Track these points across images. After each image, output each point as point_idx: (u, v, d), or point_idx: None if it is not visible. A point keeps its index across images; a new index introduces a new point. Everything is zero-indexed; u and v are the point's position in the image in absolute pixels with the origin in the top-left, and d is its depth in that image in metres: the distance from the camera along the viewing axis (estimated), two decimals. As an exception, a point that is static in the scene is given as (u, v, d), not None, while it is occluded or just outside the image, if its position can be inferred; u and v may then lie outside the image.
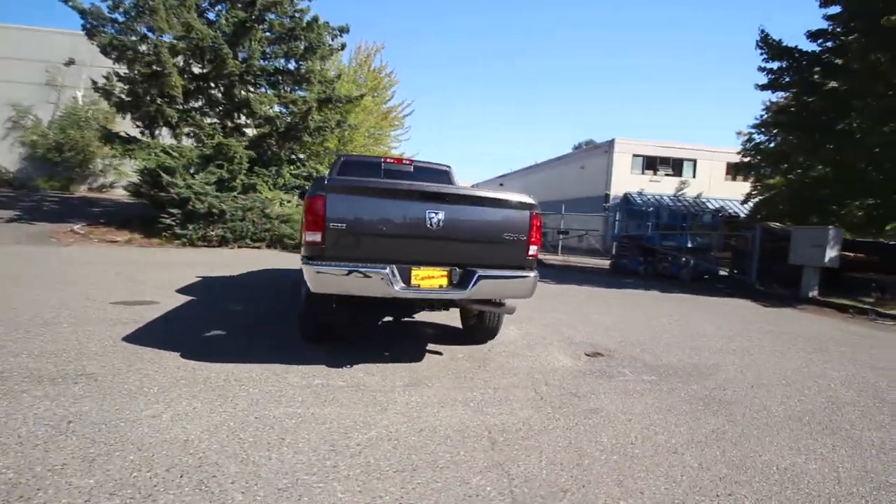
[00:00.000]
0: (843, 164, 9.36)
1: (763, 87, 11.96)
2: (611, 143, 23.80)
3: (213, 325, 4.15)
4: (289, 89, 15.54)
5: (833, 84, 10.18)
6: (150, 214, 12.76)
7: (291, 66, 15.32)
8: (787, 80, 11.34)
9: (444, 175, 5.24)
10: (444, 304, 3.45)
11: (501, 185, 40.00)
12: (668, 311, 6.91)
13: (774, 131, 20.36)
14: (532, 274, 3.30)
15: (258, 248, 13.35)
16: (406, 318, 4.79)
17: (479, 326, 4.04)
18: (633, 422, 2.69)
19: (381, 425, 2.41)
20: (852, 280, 9.95)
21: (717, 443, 2.48)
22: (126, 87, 13.01)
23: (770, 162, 19.55)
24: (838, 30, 10.59)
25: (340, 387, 2.89)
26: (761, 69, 11.60)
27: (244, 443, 2.13)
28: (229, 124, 14.87)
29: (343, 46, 16.04)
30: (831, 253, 8.69)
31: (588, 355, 4.11)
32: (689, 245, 12.61)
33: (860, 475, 2.24)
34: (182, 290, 5.74)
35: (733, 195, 23.14)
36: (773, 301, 8.88)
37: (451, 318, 4.75)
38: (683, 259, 12.25)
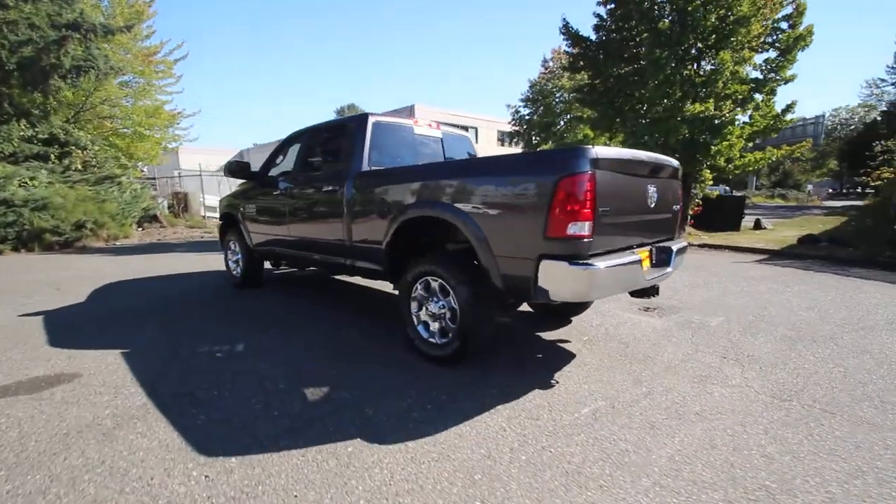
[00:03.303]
0: (633, 133, 12.41)
1: (565, 69, 14.42)
2: (412, 109, 24.53)
3: (287, 382, 2.61)
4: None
5: (617, 70, 13.12)
6: None
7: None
8: (581, 64, 13.95)
9: (467, 142, 4.50)
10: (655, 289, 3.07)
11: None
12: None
13: (536, 106, 24.96)
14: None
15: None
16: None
17: (578, 303, 3.83)
18: (802, 349, 3.17)
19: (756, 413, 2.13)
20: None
21: (862, 353, 3.19)
22: None
23: (536, 131, 23.96)
24: (612, 25, 13.51)
25: (622, 404, 2.36)
26: (566, 52, 13.90)
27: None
28: None
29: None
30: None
31: (645, 310, 4.47)
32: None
33: (929, 352, 3.29)
34: (70, 344, 3.31)
35: (507, 158, 27.63)
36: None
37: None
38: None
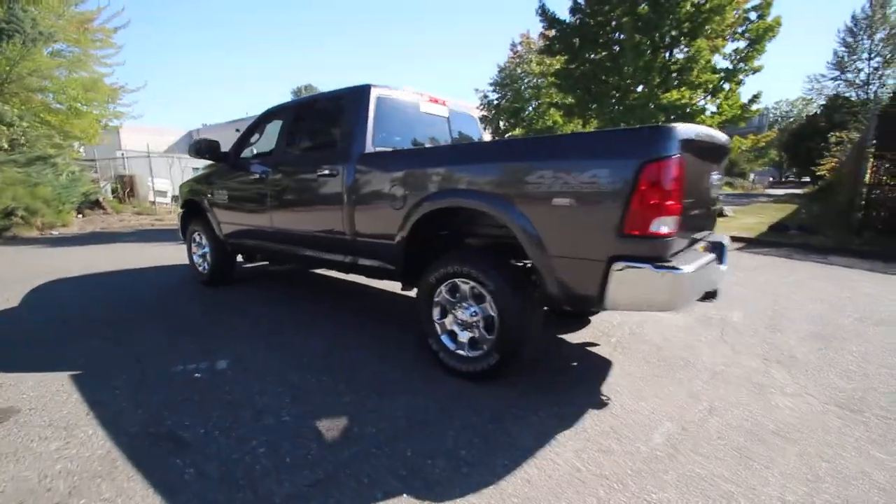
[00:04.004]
0: (611, 120, 12.31)
1: (541, 52, 14.08)
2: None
3: (292, 412, 2.12)
4: None
5: (593, 55, 12.93)
6: None
7: None
8: (558, 48, 13.66)
9: (474, 123, 4.05)
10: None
11: (237, 130, 34.03)
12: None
13: (505, 91, 24.66)
14: None
15: None
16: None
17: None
18: (837, 347, 3.00)
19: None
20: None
21: (900, 354, 3.07)
22: None
23: (505, 116, 23.68)
24: (588, 9, 13.26)
25: (692, 425, 2.05)
26: (542, 35, 13.55)
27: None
28: None
29: None
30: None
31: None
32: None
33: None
34: (1, 366, 2.64)
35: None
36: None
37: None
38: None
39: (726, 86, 12.99)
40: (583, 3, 13.29)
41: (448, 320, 2.50)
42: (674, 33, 12.27)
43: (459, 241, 2.93)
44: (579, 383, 2.54)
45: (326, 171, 3.06)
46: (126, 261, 6.23)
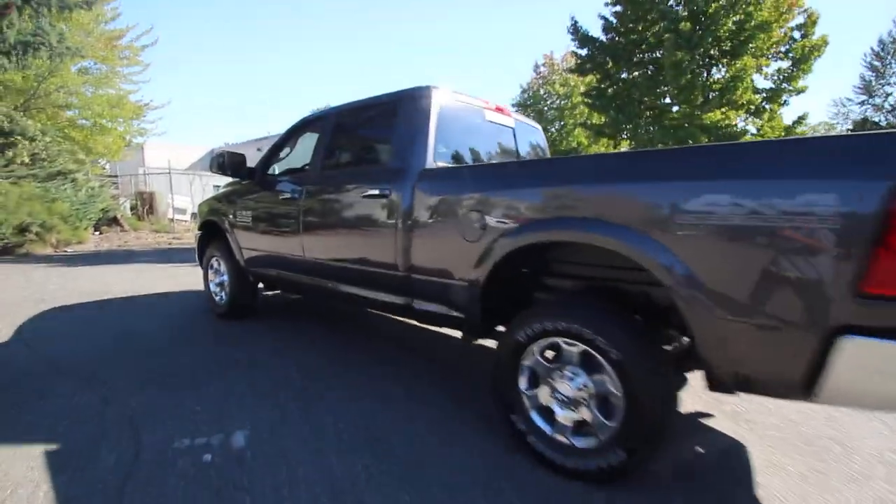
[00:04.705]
0: (650, 140, 11.71)
1: (572, 71, 13.66)
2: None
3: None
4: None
5: (628, 73, 12.45)
6: None
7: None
8: (589, 67, 13.23)
9: (540, 136, 3.49)
10: None
11: (259, 149, 34.28)
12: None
13: (528, 112, 24.39)
14: None
15: None
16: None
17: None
18: None
19: None
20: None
21: None
22: None
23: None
24: (621, 27, 12.85)
25: None
26: (574, 53, 13.15)
27: None
28: None
29: None
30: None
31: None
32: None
33: None
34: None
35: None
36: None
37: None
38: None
39: (768, 106, 12.36)
40: (615, 21, 12.92)
41: (542, 393, 1.86)
42: (713, 52, 11.74)
43: (539, 282, 2.32)
44: (721, 483, 1.86)
45: (375, 192, 2.49)
46: (138, 284, 5.74)
